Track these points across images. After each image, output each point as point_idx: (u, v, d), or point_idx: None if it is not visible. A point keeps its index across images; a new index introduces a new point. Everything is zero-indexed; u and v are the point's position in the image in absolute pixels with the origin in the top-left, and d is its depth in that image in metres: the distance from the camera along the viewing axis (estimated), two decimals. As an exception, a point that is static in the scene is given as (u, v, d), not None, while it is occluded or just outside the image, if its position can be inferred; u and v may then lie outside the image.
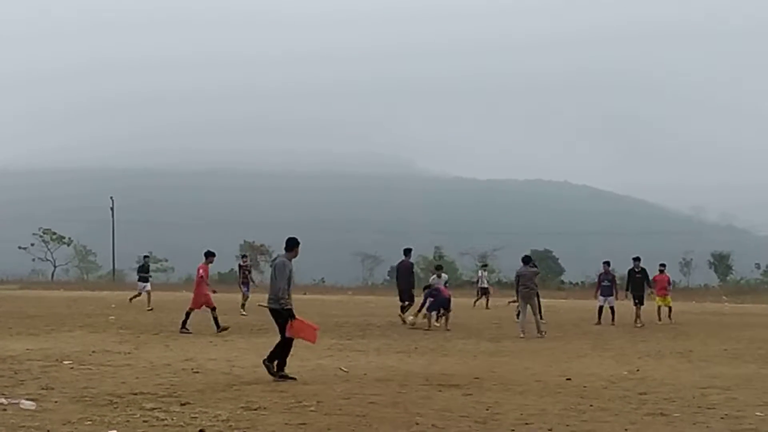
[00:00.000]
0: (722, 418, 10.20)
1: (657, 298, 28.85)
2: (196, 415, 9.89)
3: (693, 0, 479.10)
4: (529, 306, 22.70)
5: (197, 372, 13.82)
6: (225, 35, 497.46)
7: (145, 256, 36.94)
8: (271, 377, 12.95)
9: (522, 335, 21.98)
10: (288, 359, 13.37)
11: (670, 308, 28.74)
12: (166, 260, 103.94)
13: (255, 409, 10.36)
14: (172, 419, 9.67)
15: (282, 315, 13.34)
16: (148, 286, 33.50)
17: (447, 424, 9.55)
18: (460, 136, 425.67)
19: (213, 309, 22.11)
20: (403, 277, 26.40)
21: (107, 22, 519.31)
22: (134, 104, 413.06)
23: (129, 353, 16.56)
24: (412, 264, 27.40)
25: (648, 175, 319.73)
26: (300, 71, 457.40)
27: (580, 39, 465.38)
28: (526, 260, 24.04)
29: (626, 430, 9.42)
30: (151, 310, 30.96)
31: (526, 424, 9.71)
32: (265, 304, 13.59)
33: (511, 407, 10.76)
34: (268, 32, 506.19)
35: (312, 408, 10.55)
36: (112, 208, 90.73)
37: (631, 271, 28.52)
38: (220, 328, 21.64)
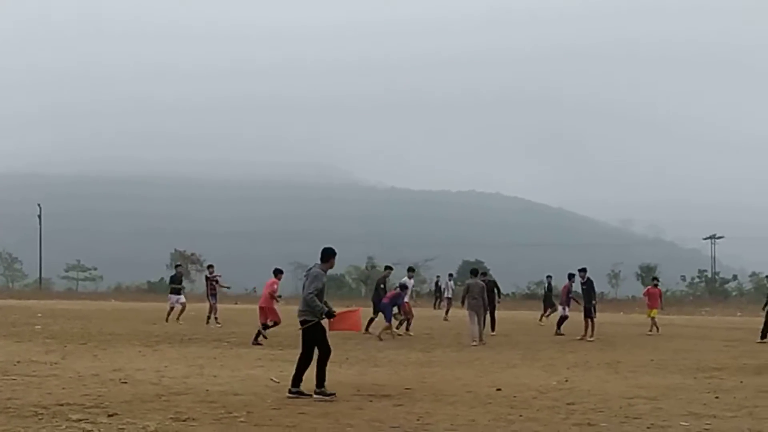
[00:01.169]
0: (648, 428, 10.37)
1: (649, 311, 29.40)
2: (124, 427, 9.75)
3: (622, 20, 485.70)
4: (476, 315, 23.21)
5: (125, 382, 13.62)
6: (168, 47, 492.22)
7: (177, 265, 36.04)
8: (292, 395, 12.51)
9: (474, 343, 22.59)
10: (218, 370, 13.26)
11: (653, 319, 29.13)
12: (95, 269, 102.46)
13: (184, 420, 10.25)
14: (99, 430, 9.52)
15: (313, 328, 13.01)
16: (183, 298, 31.61)
17: (377, 435, 9.56)
18: (396, 147, 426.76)
19: (271, 325, 23.45)
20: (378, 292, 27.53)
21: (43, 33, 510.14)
22: (66, 112, 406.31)
23: (55, 363, 16.25)
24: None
25: (579, 189, 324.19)
26: (237, 82, 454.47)
27: (514, 56, 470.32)
28: (474, 272, 24.85)
29: (554, 440, 9.54)
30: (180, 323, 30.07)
31: (456, 434, 9.76)
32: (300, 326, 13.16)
33: (442, 417, 10.80)
34: (213, 43, 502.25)
35: (242, 419, 10.47)
36: (39, 216, 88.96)
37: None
38: (259, 337, 22.83)
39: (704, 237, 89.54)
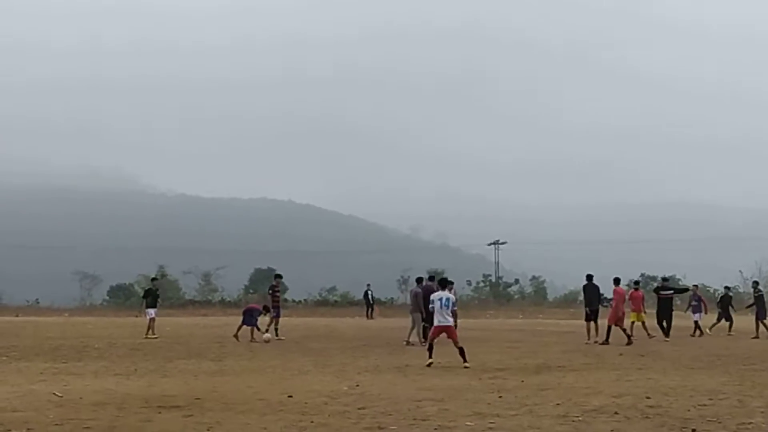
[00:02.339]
0: (435, 429, 10.63)
1: (632, 314, 29.44)
2: None
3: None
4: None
5: None
6: None
7: (154, 279, 33.57)
8: None
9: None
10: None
11: (643, 323, 29.27)
12: None
13: (-43, 440, 9.68)
14: None
15: None
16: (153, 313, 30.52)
17: (166, 447, 9.35)
18: (185, 153, 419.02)
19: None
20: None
21: None
22: None
23: None
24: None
25: (371, 197, 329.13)
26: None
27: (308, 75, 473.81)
28: (419, 281, 27.48)
29: (345, 444, 9.63)
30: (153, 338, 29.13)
31: (247, 443, 9.69)
32: None
33: (233, 427, 10.69)
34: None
35: (21, 436, 9.99)
36: None
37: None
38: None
39: (488, 243, 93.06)
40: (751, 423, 11.06)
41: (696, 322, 32.34)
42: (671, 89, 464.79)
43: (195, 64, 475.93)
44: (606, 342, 26.38)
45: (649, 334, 28.65)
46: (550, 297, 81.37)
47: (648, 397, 13.41)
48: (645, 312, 29.57)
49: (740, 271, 73.61)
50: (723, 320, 33.25)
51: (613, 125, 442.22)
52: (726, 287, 37.47)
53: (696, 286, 37.82)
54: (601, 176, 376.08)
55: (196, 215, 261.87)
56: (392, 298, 70.72)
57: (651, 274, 74.81)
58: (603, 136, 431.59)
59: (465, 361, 18.71)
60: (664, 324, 29.61)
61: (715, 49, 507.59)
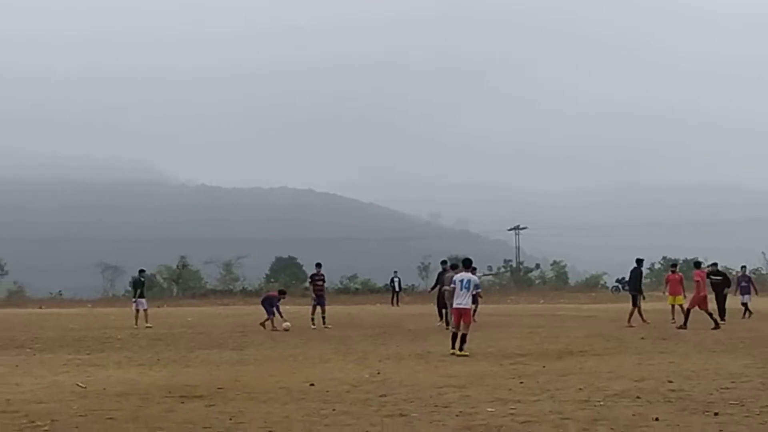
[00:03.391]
0: (457, 415, 10.65)
1: (669, 297, 29.63)
2: None
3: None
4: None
5: None
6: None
7: (141, 270, 34.56)
8: None
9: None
10: (21, 378, 12.67)
11: (681, 306, 28.91)
12: None
13: (-18, 432, 9.77)
14: None
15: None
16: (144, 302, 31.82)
17: (189, 437, 9.40)
18: (206, 143, 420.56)
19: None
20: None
21: None
22: None
23: None
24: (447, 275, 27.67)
25: (390, 186, 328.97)
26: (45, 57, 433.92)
27: (327, 65, 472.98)
28: (453, 267, 26.61)
29: (367, 431, 9.63)
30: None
31: (270, 431, 9.71)
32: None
33: (255, 416, 10.74)
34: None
35: (46, 428, 10.08)
36: None
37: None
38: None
39: (509, 228, 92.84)
40: (774, 406, 11.00)
41: (745, 304, 32.14)
42: (692, 72, 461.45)
43: (215, 54, 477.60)
44: (684, 326, 25.61)
45: (673, 319, 28.50)
46: (572, 281, 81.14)
47: (670, 381, 13.37)
48: (685, 296, 29.46)
49: (763, 252, 73.15)
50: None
51: (633, 108, 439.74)
52: (742, 267, 37.21)
53: (744, 267, 37.60)
54: (622, 159, 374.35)
55: (217, 205, 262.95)
56: (413, 285, 70.67)
57: (672, 257, 74.51)
58: (624, 119, 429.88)
59: (462, 349, 18.28)
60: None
61: (733, 31, 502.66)
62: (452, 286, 19.29)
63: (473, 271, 20.12)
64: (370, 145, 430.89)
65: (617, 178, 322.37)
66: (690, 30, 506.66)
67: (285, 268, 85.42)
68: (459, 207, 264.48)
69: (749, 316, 31.09)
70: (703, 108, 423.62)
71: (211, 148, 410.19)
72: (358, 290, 71.11)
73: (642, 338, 22.31)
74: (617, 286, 67.49)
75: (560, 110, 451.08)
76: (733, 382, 13.19)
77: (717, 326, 25.24)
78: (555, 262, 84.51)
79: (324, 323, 28.45)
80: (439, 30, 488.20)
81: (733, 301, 31.24)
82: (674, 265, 32.43)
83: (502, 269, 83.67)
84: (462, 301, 18.71)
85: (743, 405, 11.05)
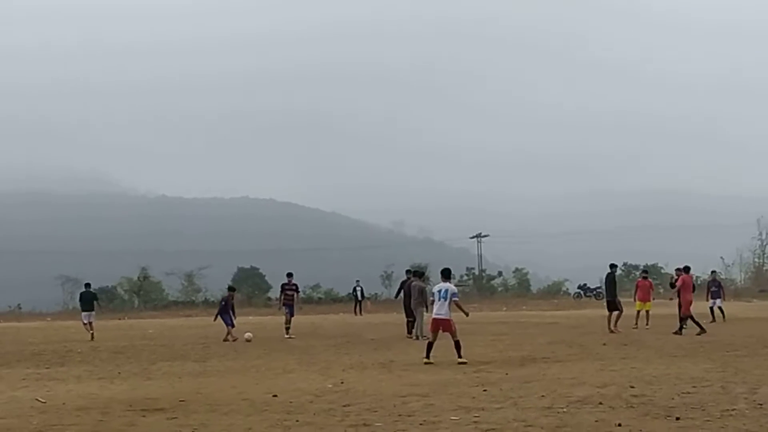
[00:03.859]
0: (421, 424, 10.63)
1: (638, 303, 29.88)
2: None
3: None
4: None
5: None
6: None
7: (87, 284, 34.69)
8: None
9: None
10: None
11: (647, 312, 29.53)
12: None
13: (-62, 450, 9.59)
14: None
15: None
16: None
17: (150, 450, 9.30)
18: (165, 154, 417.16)
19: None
20: (407, 295, 28.17)
21: None
22: None
23: None
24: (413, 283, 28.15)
25: (352, 195, 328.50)
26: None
27: (281, 73, 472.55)
28: (421, 275, 29.51)
29: (330, 442, 9.60)
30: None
31: (232, 443, 9.65)
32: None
33: (217, 428, 10.66)
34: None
35: (4, 444, 9.92)
36: None
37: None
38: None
39: (471, 236, 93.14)
40: (734, 409, 11.11)
41: (712, 309, 32.62)
42: (651, 79, 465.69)
43: (172, 63, 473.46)
44: (702, 331, 25.38)
45: (636, 324, 28.76)
46: (534, 288, 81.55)
47: (632, 387, 13.46)
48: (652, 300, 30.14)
49: (722, 257, 74.01)
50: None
51: (595, 115, 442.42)
52: (713, 272, 37.86)
53: (714, 272, 38.25)
54: (582, 166, 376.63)
55: (178, 216, 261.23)
56: (376, 293, 70.66)
57: (633, 263, 75.15)
58: (585, 126, 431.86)
59: (460, 356, 18.27)
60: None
61: (699, 39, 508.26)
62: (431, 298, 19.18)
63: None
64: (332, 155, 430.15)
65: (579, 185, 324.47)
66: (655, 38, 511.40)
67: (247, 278, 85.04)
68: (422, 215, 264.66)
69: (712, 321, 31.39)
70: (658, 114, 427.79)
71: (170, 159, 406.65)
72: (321, 300, 71.02)
73: (604, 344, 22.45)
74: (579, 293, 67.98)
75: (522, 119, 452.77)
76: (694, 387, 13.31)
77: (680, 332, 25.50)
78: (517, 270, 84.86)
79: (287, 333, 28.38)
80: (402, 39, 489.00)
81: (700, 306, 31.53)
82: (645, 272, 32.71)
83: (465, 277, 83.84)
84: (441, 311, 18.55)
85: (704, 409, 11.15)
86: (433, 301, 19.04)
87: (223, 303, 30.13)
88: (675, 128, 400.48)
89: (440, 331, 18.66)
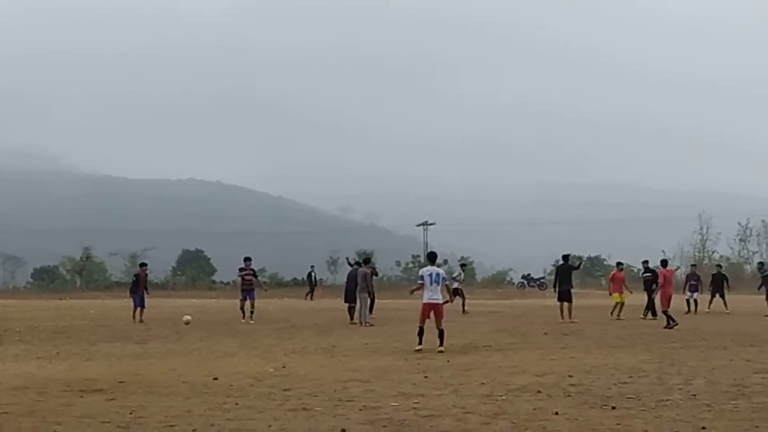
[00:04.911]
0: (360, 409, 10.65)
1: (615, 295, 29.99)
2: None
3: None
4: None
5: None
6: None
7: None
8: None
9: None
10: None
11: (622, 304, 29.70)
12: None
13: None
14: None
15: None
16: None
17: (87, 431, 9.20)
18: (110, 133, 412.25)
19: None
20: (351, 281, 28.40)
21: None
22: None
23: None
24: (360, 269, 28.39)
25: (300, 179, 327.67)
26: None
27: (242, 53, 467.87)
28: (367, 261, 29.39)
29: (270, 426, 9.57)
30: None
31: (171, 426, 9.58)
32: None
33: (156, 410, 10.58)
34: None
35: (-63, 422, 9.75)
36: None
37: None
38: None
39: (417, 224, 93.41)
40: (669, 400, 11.29)
41: (688, 301, 33.00)
42: (600, 70, 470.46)
43: (121, 37, 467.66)
44: (669, 326, 24.28)
45: (619, 317, 29.23)
46: (479, 277, 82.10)
47: (570, 376, 13.62)
48: (630, 291, 30.58)
49: (663, 251, 75.06)
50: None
51: (544, 105, 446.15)
52: (692, 265, 38.73)
53: (694, 265, 38.84)
54: (530, 156, 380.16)
55: (123, 197, 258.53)
56: (321, 279, 70.66)
57: (576, 254, 75.92)
58: (533, 116, 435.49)
59: (441, 344, 17.83)
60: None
61: (653, 31, 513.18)
62: (419, 282, 18.56)
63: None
64: (282, 139, 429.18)
65: (527, 175, 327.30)
66: (607, 26, 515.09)
67: (192, 260, 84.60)
68: (369, 201, 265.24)
69: (687, 312, 31.82)
70: (619, 109, 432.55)
71: (115, 138, 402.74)
72: (266, 284, 70.66)
73: (545, 334, 22.69)
74: (523, 282, 68.64)
75: (471, 106, 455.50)
76: (630, 377, 13.50)
77: (670, 325, 24.40)
78: (462, 258, 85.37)
79: (251, 317, 28.10)
80: (350, 23, 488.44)
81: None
82: (620, 264, 32.82)
83: (411, 264, 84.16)
84: (434, 295, 18.17)
85: (640, 399, 11.32)
86: (421, 285, 18.42)
87: (134, 279, 29.97)
88: (624, 124, 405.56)
89: (430, 317, 18.20)
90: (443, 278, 18.52)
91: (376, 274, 32.20)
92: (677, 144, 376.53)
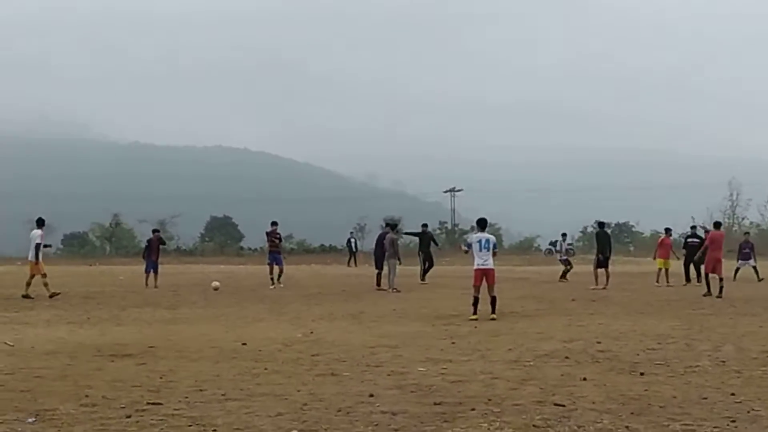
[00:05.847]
0: (388, 375, 10.70)
1: (659, 261, 29.96)
2: None
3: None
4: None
5: None
6: None
7: None
8: None
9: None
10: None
11: (667, 270, 29.61)
12: None
13: None
14: None
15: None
16: None
17: (118, 395, 9.30)
18: (137, 101, 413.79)
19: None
20: (379, 247, 28.38)
21: None
22: None
23: None
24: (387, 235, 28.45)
25: (326, 145, 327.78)
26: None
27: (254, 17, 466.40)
28: (394, 227, 30.15)
29: (298, 391, 9.62)
30: None
31: (200, 390, 9.65)
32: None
33: (185, 374, 10.67)
34: None
35: (-29, 386, 9.89)
36: None
37: None
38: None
39: (444, 190, 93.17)
40: (698, 366, 11.26)
41: (737, 270, 32.62)
42: (644, 33, 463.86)
43: (148, 4, 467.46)
44: (708, 293, 23.85)
45: (658, 281, 29.12)
46: (506, 243, 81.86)
47: (598, 342, 13.61)
48: (678, 257, 30.35)
49: (692, 217, 74.50)
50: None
51: (577, 68, 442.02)
52: (746, 233, 38.27)
53: (747, 233, 38.45)
54: (560, 119, 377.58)
55: (151, 163, 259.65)
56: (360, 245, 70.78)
57: (605, 221, 75.50)
58: (567, 79, 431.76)
59: (493, 311, 17.62)
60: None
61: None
62: (463, 248, 18.86)
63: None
64: (307, 104, 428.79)
65: (555, 138, 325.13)
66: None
67: (220, 227, 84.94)
68: (396, 168, 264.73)
69: (761, 280, 31.33)
70: (647, 69, 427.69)
71: (143, 106, 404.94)
72: (293, 250, 70.96)
73: (573, 300, 22.67)
74: (550, 249, 68.27)
75: (507, 68, 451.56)
76: (659, 344, 13.47)
77: (720, 293, 23.46)
78: (490, 225, 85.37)
79: (279, 281, 28.44)
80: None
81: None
82: (668, 229, 32.41)
83: (438, 231, 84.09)
84: (485, 260, 18.07)
85: (668, 365, 11.29)
86: (468, 249, 18.80)
87: (147, 244, 30.31)
88: (651, 82, 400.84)
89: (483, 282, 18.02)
90: (494, 244, 18.49)
91: (436, 243, 33.12)
92: (711, 106, 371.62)
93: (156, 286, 28.27)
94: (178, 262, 53.43)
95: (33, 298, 22.67)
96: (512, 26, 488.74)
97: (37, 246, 23.89)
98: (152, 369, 11.09)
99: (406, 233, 37.05)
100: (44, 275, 23.47)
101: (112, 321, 17.57)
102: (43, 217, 25.21)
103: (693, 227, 32.55)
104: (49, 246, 26.84)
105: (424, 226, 33.53)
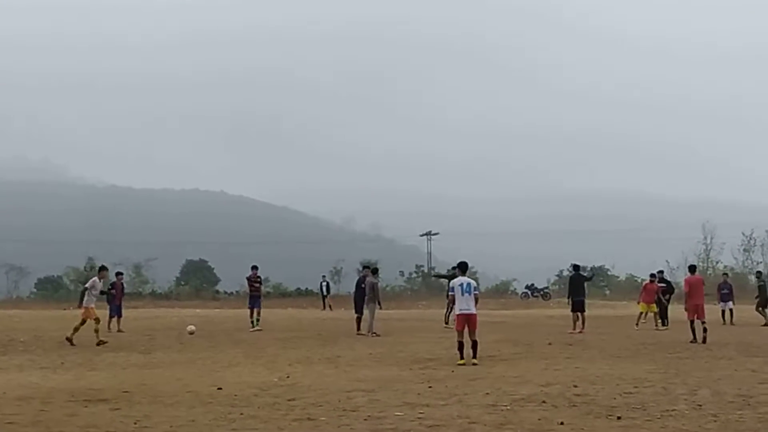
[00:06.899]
0: (365, 419, 10.65)
1: (642, 305, 30.20)
2: None
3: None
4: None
5: None
6: None
7: None
8: None
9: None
10: None
11: (655, 314, 29.91)
12: None
13: None
14: None
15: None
16: None
17: (92, 441, 9.21)
18: (115, 144, 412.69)
19: None
20: (358, 290, 28.18)
21: None
22: None
23: None
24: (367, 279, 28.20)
25: (303, 188, 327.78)
26: None
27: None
28: (375, 271, 28.59)
29: (274, 436, 9.57)
30: None
31: (175, 436, 9.58)
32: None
33: (161, 419, 10.58)
34: None
35: (-58, 432, 9.76)
36: None
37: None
38: None
39: (421, 234, 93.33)
40: (674, 410, 11.28)
41: (726, 311, 32.90)
42: (573, 92, 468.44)
43: (127, 57, 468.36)
44: (695, 340, 23.01)
45: (656, 327, 29.31)
46: (482, 287, 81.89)
47: (575, 386, 13.61)
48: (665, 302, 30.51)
49: (667, 261, 74.88)
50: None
51: (539, 123, 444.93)
52: (724, 274, 38.68)
53: (726, 274, 38.69)
54: (529, 170, 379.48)
55: (127, 207, 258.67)
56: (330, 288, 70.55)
57: (582, 265, 75.83)
58: (528, 133, 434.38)
59: (475, 356, 17.30)
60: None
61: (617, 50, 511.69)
62: (451, 293, 18.52)
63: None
64: (285, 150, 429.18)
65: (527, 188, 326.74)
66: (571, 46, 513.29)
67: (196, 270, 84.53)
68: (373, 214, 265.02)
69: (724, 324, 31.72)
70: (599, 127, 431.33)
71: (120, 149, 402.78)
72: (269, 293, 70.63)
73: (549, 344, 22.66)
74: (527, 293, 68.50)
75: (466, 126, 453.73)
76: (635, 387, 13.48)
77: (704, 340, 22.70)
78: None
79: (257, 324, 28.79)
80: (347, 41, 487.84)
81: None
82: (653, 275, 32.44)
83: (414, 274, 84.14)
84: (469, 306, 17.83)
85: (645, 409, 11.30)
86: (451, 297, 18.55)
87: (110, 288, 29.25)
88: (621, 137, 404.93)
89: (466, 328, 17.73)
90: (475, 287, 18.32)
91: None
92: (680, 153, 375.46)
93: (119, 330, 28.15)
94: (153, 306, 53.05)
95: (107, 342, 22.51)
96: (467, 96, 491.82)
97: (84, 291, 23.77)
98: (127, 414, 10.98)
99: (435, 276, 36.42)
100: (83, 322, 23.08)
101: (87, 366, 17.39)
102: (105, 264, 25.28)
103: (660, 272, 32.92)
104: (105, 293, 26.89)
105: (454, 268, 32.84)
